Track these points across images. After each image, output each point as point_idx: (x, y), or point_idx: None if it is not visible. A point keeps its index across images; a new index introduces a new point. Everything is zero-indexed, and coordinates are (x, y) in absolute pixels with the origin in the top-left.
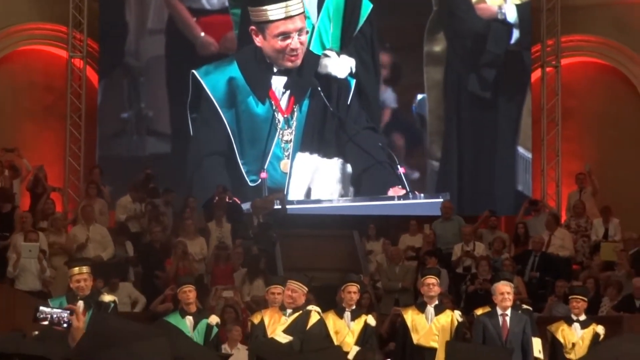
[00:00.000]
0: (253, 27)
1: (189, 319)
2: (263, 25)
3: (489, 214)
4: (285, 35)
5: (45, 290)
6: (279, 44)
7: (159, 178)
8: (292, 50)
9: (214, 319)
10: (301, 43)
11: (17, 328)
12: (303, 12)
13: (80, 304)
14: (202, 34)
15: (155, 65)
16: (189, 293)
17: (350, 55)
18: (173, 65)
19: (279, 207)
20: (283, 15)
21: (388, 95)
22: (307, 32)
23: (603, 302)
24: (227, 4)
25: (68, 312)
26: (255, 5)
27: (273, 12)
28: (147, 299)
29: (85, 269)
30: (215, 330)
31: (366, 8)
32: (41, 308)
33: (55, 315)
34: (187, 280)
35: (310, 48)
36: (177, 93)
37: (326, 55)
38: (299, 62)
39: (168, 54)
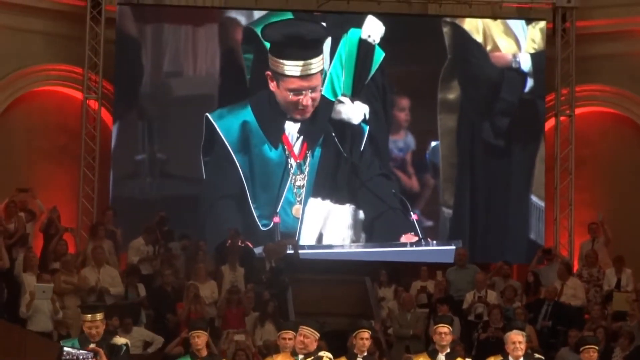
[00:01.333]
0: (269, 73)
1: None
2: (279, 75)
3: (503, 264)
4: (298, 92)
5: (63, 332)
6: (291, 97)
7: (172, 221)
8: (303, 106)
9: None
10: (312, 99)
11: None
12: (321, 70)
13: (92, 347)
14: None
15: (169, 108)
16: (197, 339)
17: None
18: (187, 109)
19: (292, 251)
20: (299, 74)
21: (409, 139)
22: (321, 90)
23: (615, 353)
24: None
25: (92, 353)
26: (275, 55)
27: (290, 67)
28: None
29: (98, 316)
30: None
31: (379, 56)
32: (66, 350)
33: (81, 357)
34: (198, 325)
35: (322, 93)
36: (190, 136)
37: (340, 102)
38: (307, 115)
39: (177, 97)
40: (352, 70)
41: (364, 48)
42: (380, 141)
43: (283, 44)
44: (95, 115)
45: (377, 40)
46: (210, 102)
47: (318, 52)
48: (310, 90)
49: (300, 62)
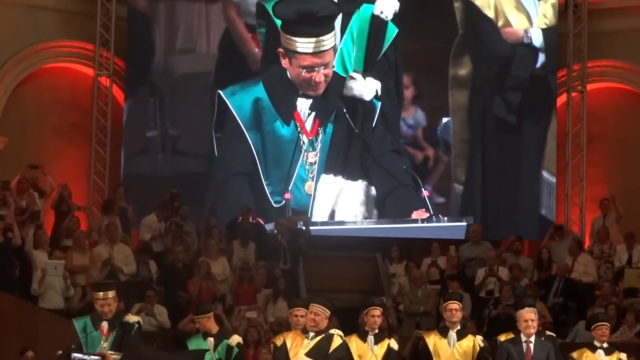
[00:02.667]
0: (281, 50)
1: (210, 340)
2: (291, 52)
3: (515, 239)
4: (310, 69)
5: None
6: (303, 74)
7: (183, 197)
8: (316, 82)
9: (234, 340)
10: (325, 75)
11: None
12: (333, 47)
13: (105, 324)
14: (256, 50)
15: (180, 85)
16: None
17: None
18: (198, 85)
19: (303, 228)
20: (311, 51)
21: (419, 115)
22: (334, 66)
23: (622, 329)
24: None
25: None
26: (287, 32)
27: (302, 45)
28: (170, 319)
29: (110, 293)
30: (235, 350)
31: (391, 32)
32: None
33: None
34: (205, 308)
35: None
36: (202, 113)
37: (352, 78)
38: (320, 92)
39: (189, 73)
40: (363, 46)
41: (377, 24)
42: (390, 117)
43: (294, 21)
44: (106, 92)
45: (390, 17)
46: (222, 79)
47: (330, 28)
48: (323, 67)
49: (313, 39)
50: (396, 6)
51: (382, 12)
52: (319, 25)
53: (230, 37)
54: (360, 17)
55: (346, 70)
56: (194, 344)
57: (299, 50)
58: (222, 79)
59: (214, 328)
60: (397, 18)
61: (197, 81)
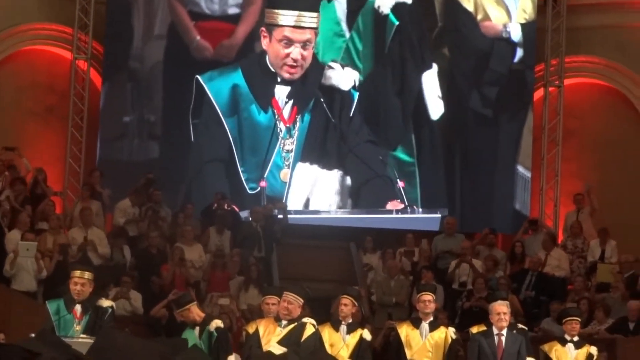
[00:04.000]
0: (263, 29)
1: (196, 329)
2: (272, 27)
3: (489, 231)
4: (289, 42)
5: None
6: (281, 51)
7: (159, 183)
8: (293, 60)
9: (213, 325)
10: (302, 56)
11: None
12: (315, 28)
13: (78, 308)
14: (198, 37)
15: (158, 70)
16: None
17: (381, 72)
18: (175, 71)
19: (281, 216)
20: (292, 23)
21: None
22: (313, 47)
23: (592, 325)
24: (227, 11)
25: None
26: (271, 6)
27: (284, 17)
28: (143, 304)
29: (87, 274)
30: (214, 335)
31: (391, 26)
32: None
33: None
34: (185, 300)
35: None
36: (179, 98)
37: (330, 67)
38: (296, 75)
39: (167, 59)
40: (370, 42)
41: (377, 19)
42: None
43: None
44: (84, 75)
45: (386, 11)
46: (200, 65)
47: (314, 7)
48: (301, 45)
49: (295, 12)
50: (355, 77)
51: (379, 7)
52: None
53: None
54: (364, 13)
55: (357, 67)
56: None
57: (280, 22)
58: (169, 68)
59: (198, 317)
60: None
61: (172, 66)
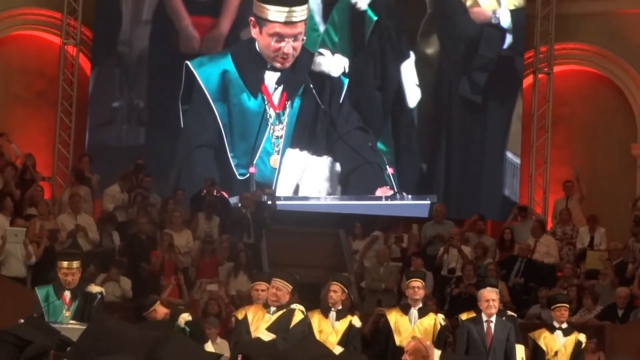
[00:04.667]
0: (252, 19)
1: None
2: (262, 21)
3: (478, 218)
4: (280, 37)
5: None
6: (273, 44)
7: (148, 169)
8: (284, 53)
9: (181, 320)
10: (294, 48)
11: None
12: (305, 19)
13: (67, 294)
14: (190, 26)
15: (147, 56)
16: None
17: (360, 66)
18: (163, 56)
19: (270, 202)
20: (283, 20)
21: None
22: (304, 39)
23: (580, 313)
24: None
25: None
26: (260, 0)
27: (274, 13)
28: (132, 290)
29: (75, 263)
30: (187, 330)
31: (370, 20)
32: None
33: None
34: (148, 303)
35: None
36: (168, 84)
37: (320, 54)
38: (288, 64)
39: (153, 44)
40: (346, 35)
41: (354, 14)
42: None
43: None
44: (73, 61)
45: (364, 7)
46: (155, 54)
47: (303, 0)
48: (292, 39)
49: (285, 9)
50: (345, 63)
51: (356, 3)
52: None
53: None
54: (340, 7)
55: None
56: None
57: (270, 18)
58: (156, 53)
59: (162, 315)
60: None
61: (161, 52)
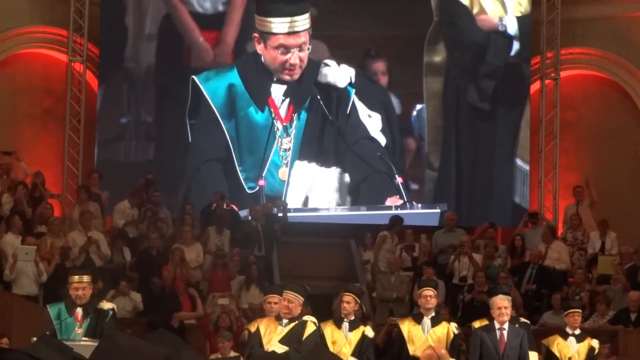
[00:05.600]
0: (256, 35)
1: None
2: (266, 35)
3: (489, 225)
4: (286, 49)
5: None
6: (279, 57)
7: (158, 184)
8: (291, 65)
9: None
10: (300, 59)
11: None
12: (309, 29)
13: (79, 311)
14: (201, 39)
15: (154, 71)
16: None
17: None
18: (169, 71)
19: (280, 214)
20: (286, 30)
21: (394, 102)
22: (309, 48)
23: (593, 318)
24: (220, 8)
25: None
26: (261, 14)
27: (277, 25)
28: (143, 305)
29: (85, 277)
30: None
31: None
32: None
33: None
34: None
35: None
36: (175, 99)
37: (326, 65)
38: (296, 76)
39: (159, 59)
40: None
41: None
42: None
43: (269, 1)
44: (80, 78)
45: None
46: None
47: (303, 9)
48: (297, 49)
49: (287, 19)
50: (351, 73)
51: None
52: (292, 3)
53: (171, 23)
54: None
55: None
56: None
57: (274, 30)
58: (162, 68)
59: None
60: (372, 4)
61: (168, 67)
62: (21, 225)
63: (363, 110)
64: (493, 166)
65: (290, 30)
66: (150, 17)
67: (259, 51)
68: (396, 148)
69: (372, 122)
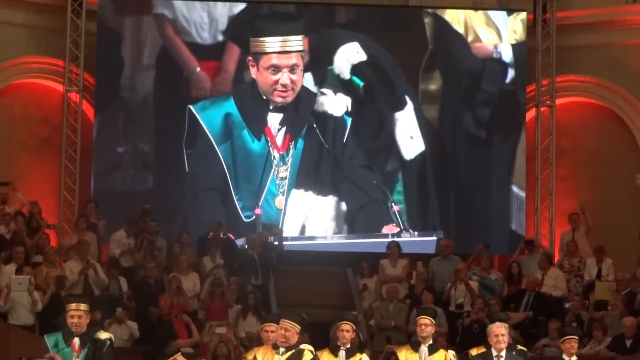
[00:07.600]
0: (250, 58)
1: None
2: (259, 56)
3: (483, 247)
4: (276, 68)
5: None
6: (270, 77)
7: (154, 213)
8: (282, 85)
9: None
10: (292, 81)
11: None
12: (301, 51)
13: (76, 341)
14: (198, 69)
15: (152, 100)
16: None
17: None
18: (167, 100)
19: (276, 243)
20: (278, 49)
21: None
22: (302, 70)
23: (590, 345)
24: (219, 38)
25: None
26: (255, 35)
27: (270, 44)
28: (140, 335)
29: (82, 306)
30: None
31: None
32: None
33: None
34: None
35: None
36: (172, 128)
37: (323, 93)
38: (289, 99)
39: (157, 89)
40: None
41: (343, 82)
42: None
43: (263, 20)
44: (76, 107)
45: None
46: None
47: (297, 30)
48: (288, 70)
49: (279, 38)
50: (347, 102)
51: (340, 74)
52: (285, 22)
53: (168, 53)
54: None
55: None
56: None
57: (267, 49)
58: (160, 98)
59: None
60: (370, 32)
61: (164, 96)
62: (23, 257)
63: (405, 131)
64: (489, 193)
65: (282, 49)
66: (148, 48)
67: (253, 75)
68: None
69: (414, 143)
